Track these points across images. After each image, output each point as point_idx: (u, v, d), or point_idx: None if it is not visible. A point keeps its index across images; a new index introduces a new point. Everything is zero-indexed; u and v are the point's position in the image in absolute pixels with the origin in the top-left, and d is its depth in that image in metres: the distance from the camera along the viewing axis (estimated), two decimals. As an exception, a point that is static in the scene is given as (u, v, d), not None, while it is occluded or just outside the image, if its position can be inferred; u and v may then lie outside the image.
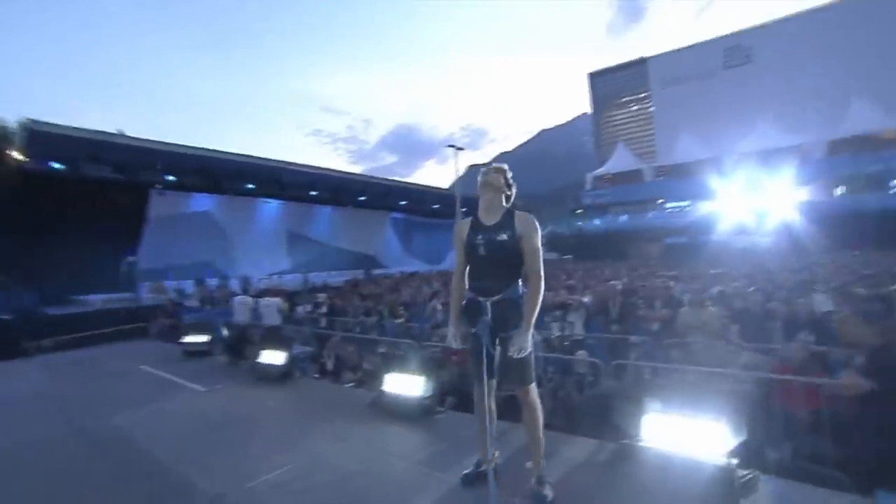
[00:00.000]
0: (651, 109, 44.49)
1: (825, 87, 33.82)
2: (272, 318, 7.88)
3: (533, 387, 2.32)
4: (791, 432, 3.26)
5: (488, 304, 2.24)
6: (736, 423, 2.37)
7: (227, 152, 19.93)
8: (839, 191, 28.50)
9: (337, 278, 19.17)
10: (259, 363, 4.95)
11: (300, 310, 9.65)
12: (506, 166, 2.47)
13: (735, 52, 39.37)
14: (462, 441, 3.09)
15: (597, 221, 37.87)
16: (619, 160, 38.84)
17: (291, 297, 11.08)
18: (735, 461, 2.32)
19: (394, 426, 3.38)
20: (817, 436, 3.04)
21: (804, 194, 28.25)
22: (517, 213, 2.34)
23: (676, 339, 5.27)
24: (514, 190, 2.44)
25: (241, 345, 5.78)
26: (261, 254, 22.27)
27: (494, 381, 2.36)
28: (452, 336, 2.36)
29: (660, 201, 36.07)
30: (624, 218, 36.65)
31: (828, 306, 5.64)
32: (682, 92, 41.21)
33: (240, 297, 8.84)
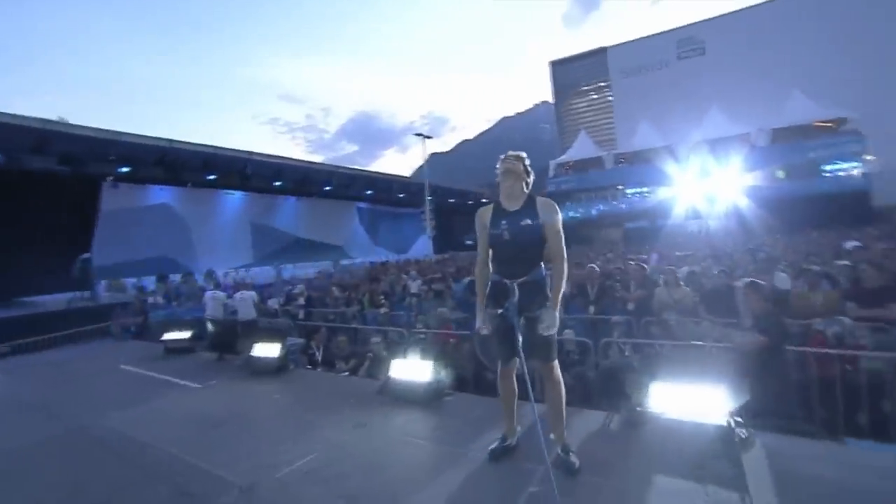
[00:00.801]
0: (610, 98, 45.88)
1: (770, 78, 35.93)
2: (247, 313, 7.71)
3: (556, 363, 2.47)
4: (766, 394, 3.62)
5: (515, 286, 2.36)
6: (734, 388, 2.63)
7: (186, 142, 18.99)
8: (780, 176, 30.51)
9: (304, 270, 18.84)
10: (253, 357, 4.89)
11: (271, 302, 9.48)
12: (524, 154, 2.56)
13: (688, 43, 41.19)
14: (475, 420, 3.23)
15: (560, 208, 38.78)
16: (581, 148, 39.79)
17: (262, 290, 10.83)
18: (735, 420, 2.58)
19: (407, 411, 3.46)
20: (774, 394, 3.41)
21: (750, 180, 30.06)
22: (538, 198, 2.46)
23: (653, 317, 5.66)
24: (532, 177, 2.54)
25: (228, 339, 5.66)
26: (224, 247, 21.49)
27: (522, 360, 2.48)
28: (482, 321, 2.42)
29: (620, 187, 37.34)
30: (587, 204, 37.80)
31: (787, 284, 6.16)
32: (640, 82, 42.74)
33: (210, 291, 8.55)
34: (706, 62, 39.99)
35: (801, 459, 2.43)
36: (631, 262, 8.29)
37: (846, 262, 6.95)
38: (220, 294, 8.45)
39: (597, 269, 8.27)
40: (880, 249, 8.08)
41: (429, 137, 22.39)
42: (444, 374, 3.76)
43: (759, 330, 3.47)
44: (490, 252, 2.49)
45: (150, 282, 14.12)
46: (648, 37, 44.25)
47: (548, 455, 2.44)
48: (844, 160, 28.52)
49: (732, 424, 2.57)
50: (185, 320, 6.72)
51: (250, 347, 4.96)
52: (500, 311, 2.37)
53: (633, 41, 45.70)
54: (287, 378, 4.64)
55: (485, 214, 2.49)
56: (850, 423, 3.38)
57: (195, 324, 6.45)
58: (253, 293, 8.53)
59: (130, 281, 16.04)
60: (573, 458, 2.42)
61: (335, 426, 3.27)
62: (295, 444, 2.99)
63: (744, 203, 28.37)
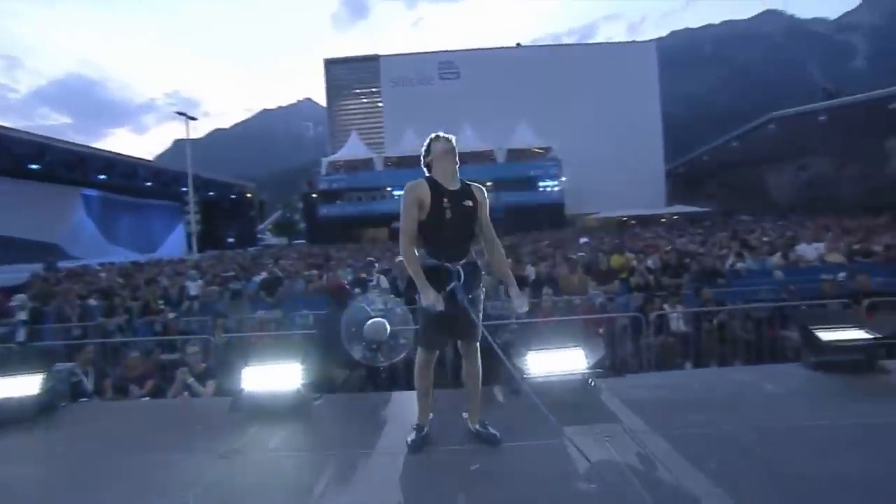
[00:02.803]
0: (381, 104, 48.42)
1: (507, 107, 44.69)
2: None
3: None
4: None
5: (458, 267, 2.35)
6: (590, 349, 3.30)
7: None
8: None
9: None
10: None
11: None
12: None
13: (448, 67, 47.33)
14: (362, 419, 3.05)
15: (331, 206, 38.79)
16: (352, 148, 40.69)
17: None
18: (592, 373, 3.23)
19: (278, 425, 2.92)
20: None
21: (491, 188, 36.93)
22: (471, 183, 2.51)
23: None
24: None
25: None
26: None
27: (470, 342, 2.49)
28: (436, 299, 2.25)
29: (389, 189, 39.81)
30: (357, 203, 38.92)
31: (533, 273, 7.88)
32: (407, 93, 46.61)
33: None
34: (461, 85, 46.77)
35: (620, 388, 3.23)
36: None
37: (582, 253, 9.33)
38: None
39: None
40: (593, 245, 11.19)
41: (193, 119, 18.80)
42: (313, 376, 3.37)
43: None
44: (420, 233, 2.38)
45: None
46: (417, 54, 49.05)
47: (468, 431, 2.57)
48: (549, 179, 38.01)
49: (588, 375, 3.23)
50: None
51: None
52: (442, 293, 2.29)
53: (403, 55, 49.65)
54: (62, 420, 3.25)
55: (422, 192, 2.36)
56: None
57: None
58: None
59: None
60: (492, 430, 2.56)
61: (195, 463, 2.51)
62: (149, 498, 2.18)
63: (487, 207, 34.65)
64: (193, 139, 19.39)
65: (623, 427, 2.64)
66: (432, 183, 2.40)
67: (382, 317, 3.75)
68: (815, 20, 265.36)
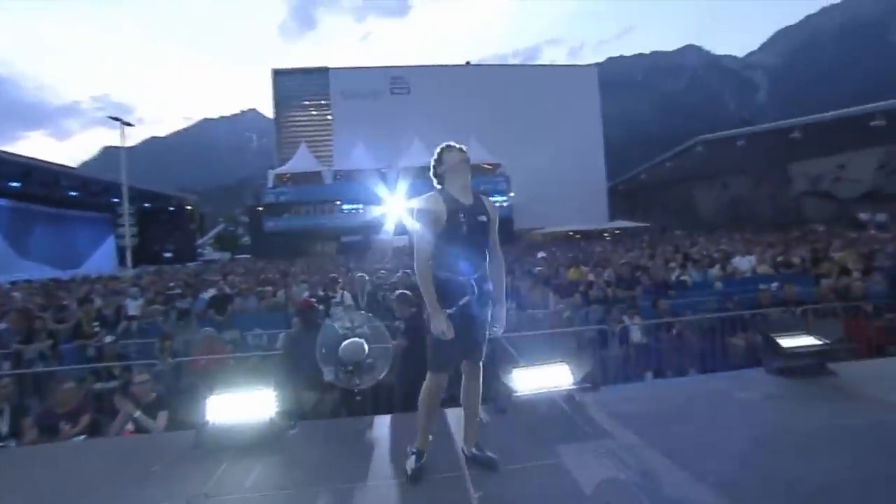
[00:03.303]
0: (330, 117, 47.54)
1: (457, 123, 45.34)
2: None
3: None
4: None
5: (472, 281, 2.24)
6: (576, 364, 3.29)
7: None
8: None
9: None
10: None
11: None
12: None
13: (399, 82, 47.44)
14: (347, 446, 2.83)
15: (278, 219, 37.40)
16: (301, 160, 39.60)
17: None
18: (576, 387, 3.21)
19: (252, 459, 2.64)
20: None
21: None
22: (482, 196, 2.43)
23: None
24: None
25: None
26: None
27: (477, 361, 2.37)
28: (447, 327, 2.13)
29: (338, 202, 39.01)
30: (305, 217, 37.83)
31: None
32: (358, 106, 46.14)
33: None
34: (412, 100, 47.01)
35: (602, 402, 3.24)
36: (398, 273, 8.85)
37: (540, 267, 9.50)
38: None
39: (366, 276, 8.55)
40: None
41: (129, 125, 17.37)
42: (287, 402, 3.11)
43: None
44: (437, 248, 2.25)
45: None
46: (367, 68, 48.75)
47: (463, 457, 2.45)
48: (499, 194, 38.89)
49: (574, 390, 3.22)
50: None
51: None
52: (450, 311, 2.17)
53: (354, 68, 49.25)
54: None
55: (437, 206, 2.24)
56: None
57: None
58: None
59: None
60: (489, 453, 2.44)
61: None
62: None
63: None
64: (124, 147, 17.96)
65: (616, 442, 2.62)
66: (447, 197, 2.29)
67: (359, 336, 3.55)
68: (727, 57, 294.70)
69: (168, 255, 31.93)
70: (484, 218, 2.32)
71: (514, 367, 3.24)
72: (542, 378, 3.21)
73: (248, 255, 39.42)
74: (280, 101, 49.09)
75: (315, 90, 48.15)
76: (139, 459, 2.76)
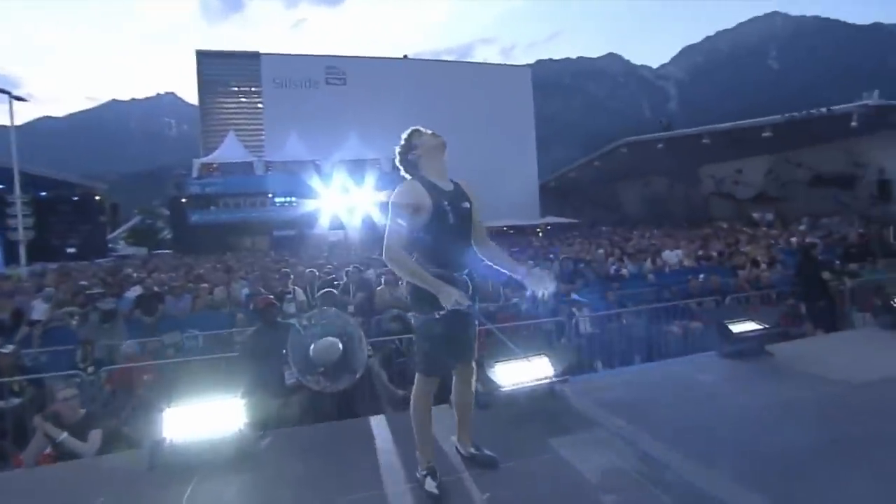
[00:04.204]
0: (261, 105, 44.56)
1: (392, 116, 44.63)
2: None
3: None
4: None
5: (465, 277, 2.12)
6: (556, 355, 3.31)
7: None
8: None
9: None
10: None
11: None
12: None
13: (334, 72, 45.49)
14: (329, 453, 2.64)
15: (204, 212, 34.70)
16: (229, 149, 36.91)
17: None
18: (553, 381, 3.24)
19: (222, 479, 2.37)
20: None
21: (382, 197, 36.38)
22: (460, 180, 2.29)
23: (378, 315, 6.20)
24: None
25: None
26: None
27: (470, 360, 2.26)
28: (459, 296, 1.92)
29: (270, 195, 36.93)
30: (235, 209, 35.49)
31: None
32: (291, 94, 43.66)
33: None
34: (348, 91, 45.43)
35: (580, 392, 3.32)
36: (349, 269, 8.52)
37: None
38: None
39: (316, 272, 8.19)
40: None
41: (21, 100, 14.99)
42: (253, 410, 2.82)
43: None
44: (417, 243, 2.08)
45: None
46: (302, 55, 46.31)
47: (461, 457, 2.37)
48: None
49: (554, 382, 3.25)
50: None
51: None
52: (443, 312, 1.98)
53: (287, 55, 46.62)
54: None
55: (418, 193, 2.06)
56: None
57: None
58: None
59: None
60: (488, 452, 2.38)
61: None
62: None
63: (377, 216, 34.01)
64: (7, 127, 15.63)
65: (606, 431, 2.68)
66: (427, 184, 2.11)
67: (332, 335, 3.35)
68: (643, 66, 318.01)
69: (72, 250, 28.23)
70: (467, 204, 2.18)
71: (496, 362, 3.20)
72: (523, 371, 3.21)
73: (168, 251, 36.22)
74: (205, 85, 45.24)
75: (245, 76, 44.95)
76: (74, 491, 2.36)
